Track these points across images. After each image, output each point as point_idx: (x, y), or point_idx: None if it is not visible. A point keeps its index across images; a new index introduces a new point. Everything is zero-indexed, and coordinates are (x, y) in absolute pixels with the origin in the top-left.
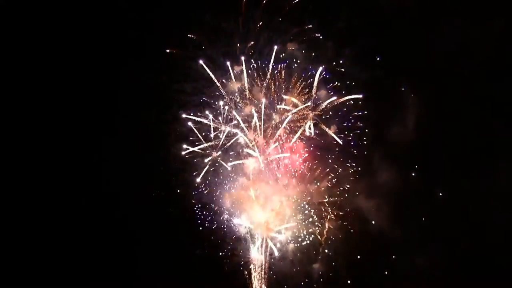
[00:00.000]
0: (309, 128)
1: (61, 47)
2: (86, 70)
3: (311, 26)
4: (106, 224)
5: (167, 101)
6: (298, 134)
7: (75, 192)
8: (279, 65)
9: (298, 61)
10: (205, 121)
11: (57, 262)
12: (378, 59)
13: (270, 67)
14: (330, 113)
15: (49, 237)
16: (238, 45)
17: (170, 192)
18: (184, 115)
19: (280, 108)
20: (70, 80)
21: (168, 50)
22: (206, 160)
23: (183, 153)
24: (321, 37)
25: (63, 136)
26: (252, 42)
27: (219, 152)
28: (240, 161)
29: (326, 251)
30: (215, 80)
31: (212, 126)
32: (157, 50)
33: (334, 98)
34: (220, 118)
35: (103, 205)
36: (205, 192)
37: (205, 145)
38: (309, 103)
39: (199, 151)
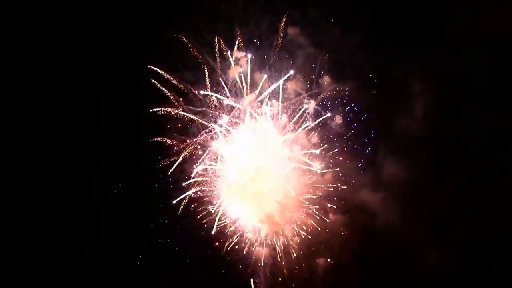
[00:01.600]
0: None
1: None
2: (80, 63)
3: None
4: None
5: (164, 92)
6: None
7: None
8: (281, 52)
9: (301, 47)
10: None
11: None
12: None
13: (272, 53)
14: (336, 102)
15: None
16: (238, 30)
17: (170, 186)
18: (183, 106)
19: (281, 97)
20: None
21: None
22: (207, 152)
23: (183, 146)
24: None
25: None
26: (253, 27)
27: (221, 144)
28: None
29: (331, 245)
30: (215, 68)
31: (213, 116)
32: (154, 38)
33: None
34: (220, 107)
35: (102, 203)
36: (206, 185)
37: (200, 139)
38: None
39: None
